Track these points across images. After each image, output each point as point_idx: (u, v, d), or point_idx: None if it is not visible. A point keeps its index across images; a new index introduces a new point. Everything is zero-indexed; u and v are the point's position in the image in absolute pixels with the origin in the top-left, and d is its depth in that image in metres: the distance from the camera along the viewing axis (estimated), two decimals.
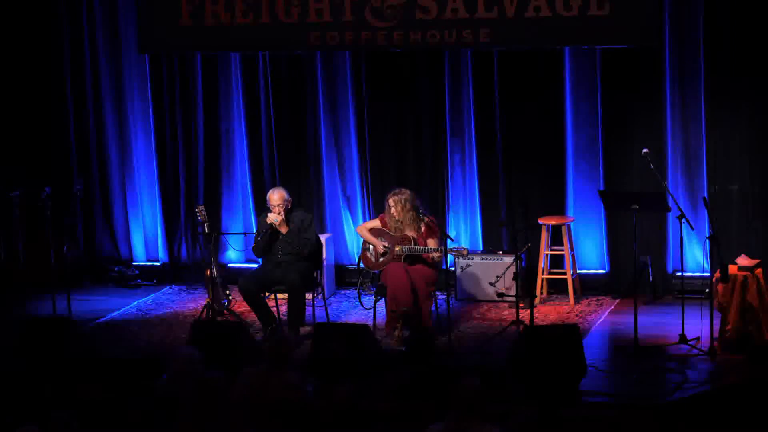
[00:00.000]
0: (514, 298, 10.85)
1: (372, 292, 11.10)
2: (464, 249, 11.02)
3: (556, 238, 11.96)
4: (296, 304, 10.77)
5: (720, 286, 10.13)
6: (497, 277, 11.87)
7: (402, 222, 10.86)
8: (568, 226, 11.90)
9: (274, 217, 10.87)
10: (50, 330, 10.25)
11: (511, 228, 11.88)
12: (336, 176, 12.71)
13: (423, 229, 10.83)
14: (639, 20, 11.12)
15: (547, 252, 11.92)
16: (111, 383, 9.05)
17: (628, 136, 11.88)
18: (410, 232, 10.84)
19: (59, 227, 12.06)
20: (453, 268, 12.02)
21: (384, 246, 10.81)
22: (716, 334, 10.19)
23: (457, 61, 12.20)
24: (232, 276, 12.03)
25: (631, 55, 11.59)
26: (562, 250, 11.87)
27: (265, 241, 10.96)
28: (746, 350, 10.02)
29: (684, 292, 10.54)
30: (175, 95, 12.90)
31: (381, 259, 10.89)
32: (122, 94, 13.05)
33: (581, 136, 12.04)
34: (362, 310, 11.58)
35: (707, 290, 10.99)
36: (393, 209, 10.88)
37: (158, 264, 13.23)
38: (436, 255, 10.72)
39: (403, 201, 10.88)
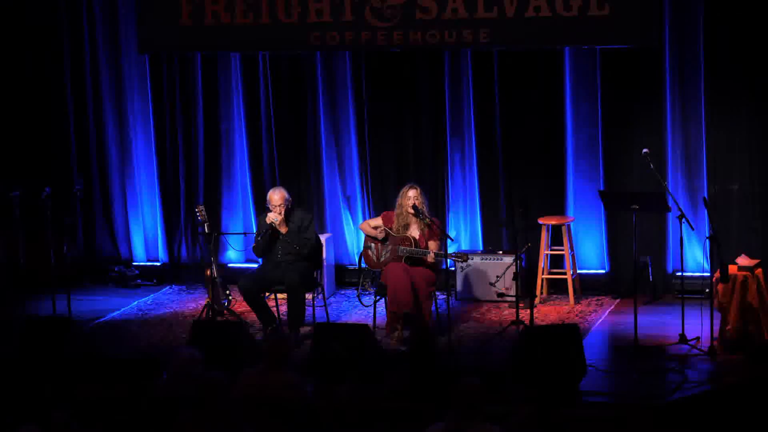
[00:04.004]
0: (514, 298, 10.85)
1: (372, 291, 11.10)
2: (465, 255, 11.00)
3: (556, 238, 11.97)
4: (296, 304, 10.77)
5: (720, 286, 10.13)
6: (497, 277, 11.88)
7: (408, 220, 10.81)
8: (568, 226, 11.90)
9: (273, 217, 10.87)
10: (50, 330, 10.24)
11: (511, 228, 11.88)
12: (336, 176, 12.71)
13: (427, 230, 10.80)
14: (639, 20, 11.12)
15: (547, 252, 11.92)
16: (111, 383, 9.05)
17: (628, 136, 11.88)
18: (415, 232, 10.81)
19: (59, 227, 12.05)
20: (453, 268, 12.02)
21: (385, 230, 10.77)
22: (716, 334, 10.20)
23: (457, 61, 12.21)
24: (232, 276, 12.03)
25: (631, 55, 11.59)
26: (562, 250, 11.87)
27: (266, 240, 10.95)
28: (746, 350, 10.02)
29: (684, 292, 10.54)
30: (175, 95, 12.90)
31: (382, 258, 10.88)
32: (122, 94, 13.06)
33: (581, 136, 12.05)
34: (362, 309, 11.59)
35: (707, 290, 10.99)
36: (414, 199, 10.73)
37: (158, 264, 13.23)
38: (429, 258, 10.67)
39: (422, 195, 10.83)
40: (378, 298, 10.91)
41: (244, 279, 10.93)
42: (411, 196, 10.76)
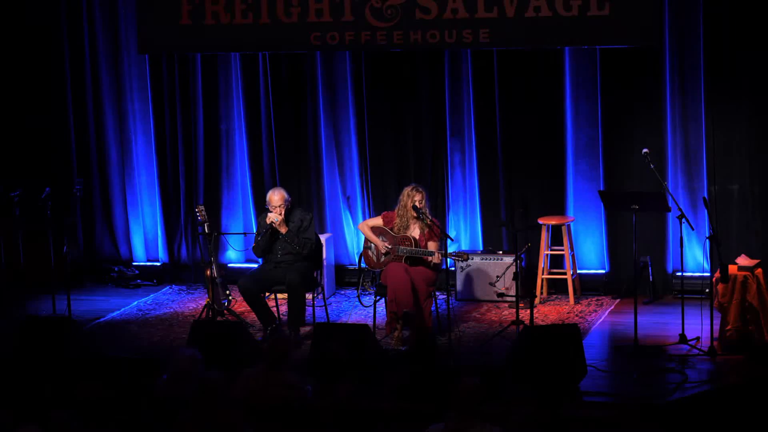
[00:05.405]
0: (514, 298, 10.85)
1: (372, 291, 11.11)
2: (465, 254, 11.00)
3: (556, 238, 11.97)
4: (296, 304, 10.77)
5: (720, 286, 10.13)
6: (497, 277, 11.88)
7: (409, 220, 10.79)
8: (568, 226, 11.90)
9: (273, 217, 10.87)
10: (50, 330, 10.24)
11: (511, 228, 11.88)
12: (336, 176, 12.71)
13: (427, 230, 10.79)
14: (639, 20, 11.12)
15: (547, 252, 11.92)
16: (111, 383, 9.04)
17: (628, 136, 11.88)
18: (415, 232, 10.80)
19: (59, 227, 12.05)
20: (453, 268, 12.02)
21: (386, 246, 10.79)
22: (716, 334, 10.20)
23: (457, 61, 12.21)
24: (232, 276, 12.02)
25: (631, 55, 11.59)
26: (562, 250, 11.87)
27: (265, 241, 10.95)
28: (746, 350, 10.02)
29: (684, 292, 10.54)
30: (175, 95, 12.90)
31: (382, 259, 10.88)
32: (122, 94, 13.05)
33: (581, 136, 12.05)
34: (362, 309, 11.59)
35: (707, 290, 10.99)
36: (416, 201, 10.68)
37: (158, 264, 13.23)
38: (435, 258, 10.67)
39: (424, 195, 10.80)
40: (378, 298, 10.91)
41: (244, 279, 10.93)
42: (417, 199, 10.71)
